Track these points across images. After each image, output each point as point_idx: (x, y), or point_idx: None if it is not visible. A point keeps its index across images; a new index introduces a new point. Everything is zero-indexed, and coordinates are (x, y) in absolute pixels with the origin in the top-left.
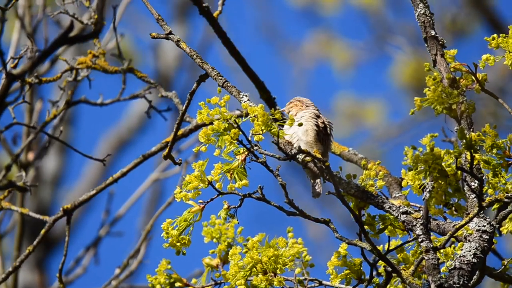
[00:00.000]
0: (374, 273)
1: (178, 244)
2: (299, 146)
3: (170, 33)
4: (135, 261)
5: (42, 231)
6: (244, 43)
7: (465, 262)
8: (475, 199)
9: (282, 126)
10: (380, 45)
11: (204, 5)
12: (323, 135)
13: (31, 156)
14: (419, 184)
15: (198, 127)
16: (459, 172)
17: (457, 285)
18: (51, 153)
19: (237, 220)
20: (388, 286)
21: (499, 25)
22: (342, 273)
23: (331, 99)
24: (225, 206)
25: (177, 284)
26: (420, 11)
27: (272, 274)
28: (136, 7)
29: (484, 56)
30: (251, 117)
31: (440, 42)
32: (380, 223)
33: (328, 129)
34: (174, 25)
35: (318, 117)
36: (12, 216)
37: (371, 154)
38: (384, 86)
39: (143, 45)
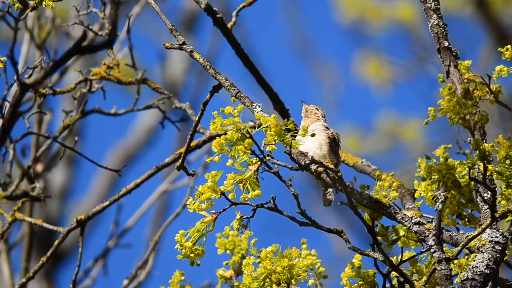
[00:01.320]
0: (388, 284)
1: (192, 255)
2: (312, 156)
3: (184, 43)
4: (143, 272)
5: (56, 242)
6: (280, 58)
7: (478, 273)
8: (488, 210)
9: (295, 136)
10: (420, 64)
11: (218, 16)
12: (334, 145)
13: (40, 167)
14: (432, 195)
15: (211, 138)
16: (472, 183)
17: None
18: (58, 166)
19: (250, 230)
20: None
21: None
22: (356, 284)
23: (370, 116)
24: (238, 217)
25: None
26: (434, 22)
27: (286, 285)
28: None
29: (497, 67)
30: (264, 127)
31: (454, 53)
32: (393, 234)
33: (337, 139)
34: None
35: (327, 128)
36: (20, 228)
37: (407, 171)
38: (423, 104)
39: (148, 54)
